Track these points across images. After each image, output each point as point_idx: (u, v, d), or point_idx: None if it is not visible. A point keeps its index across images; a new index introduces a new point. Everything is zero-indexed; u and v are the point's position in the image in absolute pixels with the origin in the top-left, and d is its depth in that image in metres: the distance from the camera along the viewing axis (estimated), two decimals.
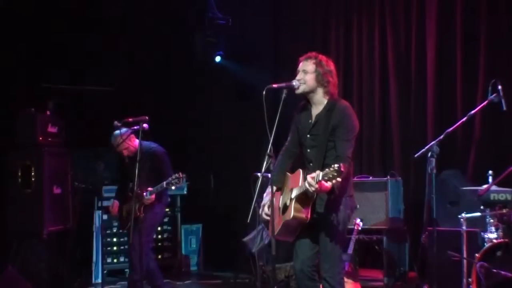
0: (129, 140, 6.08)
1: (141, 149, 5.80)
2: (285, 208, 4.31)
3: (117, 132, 5.94)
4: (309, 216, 4.19)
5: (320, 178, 3.90)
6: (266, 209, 4.40)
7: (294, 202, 4.19)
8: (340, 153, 4.19)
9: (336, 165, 3.84)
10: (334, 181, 3.85)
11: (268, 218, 4.34)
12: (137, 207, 5.90)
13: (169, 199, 6.44)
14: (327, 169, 3.87)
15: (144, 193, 5.94)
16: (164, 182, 5.85)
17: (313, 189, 3.98)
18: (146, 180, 6.00)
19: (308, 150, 4.37)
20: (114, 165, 6.36)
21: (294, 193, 4.21)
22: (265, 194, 4.48)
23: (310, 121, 4.39)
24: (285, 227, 4.26)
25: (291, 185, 4.33)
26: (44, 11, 7.75)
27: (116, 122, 5.85)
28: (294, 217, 4.17)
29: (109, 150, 6.18)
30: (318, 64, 4.35)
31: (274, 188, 4.26)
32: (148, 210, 6.05)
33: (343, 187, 4.21)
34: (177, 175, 5.81)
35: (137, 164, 5.49)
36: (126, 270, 7.79)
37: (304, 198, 4.16)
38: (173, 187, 5.87)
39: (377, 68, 7.67)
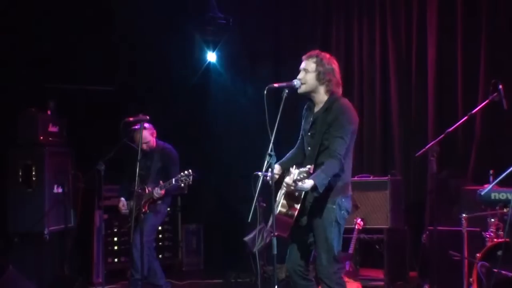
0: (151, 135, 6.31)
1: (152, 148, 6.20)
2: (278, 203, 4.34)
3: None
4: (295, 213, 4.20)
5: (295, 178, 3.96)
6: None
7: (283, 198, 4.23)
8: (331, 150, 4.20)
9: (308, 166, 3.95)
10: (301, 182, 3.94)
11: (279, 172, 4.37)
12: (142, 203, 5.99)
13: (171, 200, 6.53)
14: (300, 169, 3.96)
15: (155, 188, 6.03)
16: (173, 179, 5.95)
17: (292, 188, 4.03)
18: (155, 179, 6.12)
19: (309, 148, 4.38)
20: (114, 164, 6.36)
21: (284, 189, 4.23)
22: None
23: (311, 119, 4.40)
24: (276, 221, 4.26)
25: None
26: (44, 11, 7.75)
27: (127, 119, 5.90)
28: (280, 212, 4.22)
29: (110, 150, 6.20)
30: (319, 63, 4.34)
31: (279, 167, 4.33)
32: (151, 209, 6.14)
33: (334, 185, 4.22)
34: (186, 172, 5.89)
35: (138, 163, 5.51)
36: (127, 270, 7.81)
37: (291, 195, 4.19)
38: (182, 184, 5.95)
39: (378, 67, 7.68)
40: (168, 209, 6.91)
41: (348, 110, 4.32)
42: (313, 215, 4.28)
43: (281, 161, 4.45)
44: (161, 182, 6.13)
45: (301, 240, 4.38)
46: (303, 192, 4.16)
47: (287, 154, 4.60)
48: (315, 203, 4.25)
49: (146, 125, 6.15)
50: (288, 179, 4.04)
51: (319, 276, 4.30)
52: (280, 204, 4.22)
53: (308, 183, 3.98)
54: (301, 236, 4.37)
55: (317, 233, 4.28)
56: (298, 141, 4.63)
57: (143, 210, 6.07)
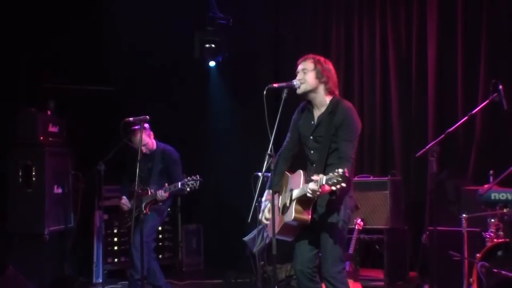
0: (149, 136, 6.26)
1: (152, 150, 6.21)
2: (285, 208, 4.31)
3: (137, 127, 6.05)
4: (310, 217, 4.19)
5: (324, 183, 3.88)
6: (266, 213, 4.41)
7: (295, 203, 4.17)
8: (342, 154, 4.19)
9: (340, 170, 3.81)
10: (338, 186, 3.82)
11: (267, 222, 4.39)
12: (143, 205, 5.99)
13: (172, 201, 6.53)
14: (331, 174, 3.85)
15: (159, 191, 6.02)
16: (179, 183, 5.92)
17: (317, 193, 3.97)
18: (157, 181, 6.12)
19: (312, 152, 4.37)
20: (114, 165, 6.37)
21: (295, 194, 4.19)
22: (263, 199, 4.49)
23: (312, 122, 4.39)
24: (285, 228, 4.26)
25: (291, 186, 4.32)
26: (44, 11, 7.76)
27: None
28: (295, 218, 4.16)
29: (110, 150, 6.21)
30: (317, 62, 4.36)
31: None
32: (151, 210, 6.14)
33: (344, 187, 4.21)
34: (194, 177, 5.87)
35: (138, 164, 5.50)
36: (127, 270, 7.81)
37: (305, 200, 4.15)
38: (188, 189, 5.91)
39: (378, 68, 7.67)
40: (168, 209, 6.90)
41: (354, 113, 4.33)
42: (321, 215, 4.28)
43: (271, 184, 4.28)
44: (166, 184, 6.09)
45: (308, 241, 4.37)
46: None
47: (276, 170, 4.34)
48: (323, 204, 4.25)
49: (146, 125, 6.14)
50: (313, 185, 3.94)
51: (323, 275, 4.30)
52: (294, 210, 4.17)
53: (329, 187, 3.92)
54: (308, 237, 4.36)
55: (322, 233, 4.27)
56: (284, 146, 4.57)
57: (145, 211, 6.06)
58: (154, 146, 6.36)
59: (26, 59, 7.71)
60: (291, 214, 4.17)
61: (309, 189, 3.98)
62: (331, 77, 4.37)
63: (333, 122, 4.26)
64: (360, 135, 4.38)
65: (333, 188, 3.86)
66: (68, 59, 8.01)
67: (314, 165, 4.32)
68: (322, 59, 4.41)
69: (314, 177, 3.96)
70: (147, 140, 6.27)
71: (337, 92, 4.43)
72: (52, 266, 6.98)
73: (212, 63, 8.44)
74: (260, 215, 4.47)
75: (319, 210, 4.27)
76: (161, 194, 6.07)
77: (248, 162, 7.58)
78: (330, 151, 4.26)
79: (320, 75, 4.33)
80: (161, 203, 6.23)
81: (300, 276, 4.39)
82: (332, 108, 4.32)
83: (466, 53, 7.00)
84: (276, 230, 4.25)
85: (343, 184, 3.81)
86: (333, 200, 4.21)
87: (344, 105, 4.33)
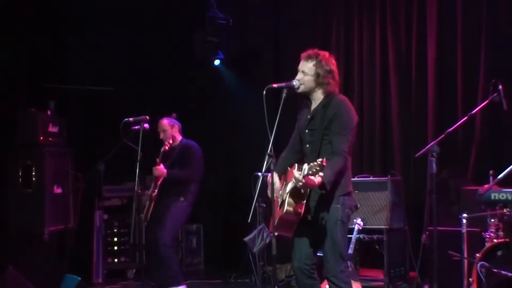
0: (175, 130, 6.43)
1: (175, 144, 6.37)
2: (283, 202, 4.32)
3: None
4: (302, 211, 4.18)
5: (306, 173, 3.91)
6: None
7: (288, 196, 4.19)
8: (334, 148, 4.18)
9: (319, 160, 3.86)
10: (317, 175, 3.88)
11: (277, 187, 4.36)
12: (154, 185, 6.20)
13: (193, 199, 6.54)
14: (312, 163, 3.89)
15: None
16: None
17: (300, 184, 4.00)
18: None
19: (307, 146, 4.37)
20: (114, 165, 6.37)
21: (288, 188, 4.21)
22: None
23: (308, 116, 4.40)
24: (280, 221, 4.26)
25: (288, 179, 4.33)
26: (44, 11, 7.76)
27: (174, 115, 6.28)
28: (287, 211, 4.19)
29: (110, 150, 6.21)
30: (318, 65, 4.32)
31: (277, 178, 4.31)
32: (170, 204, 6.14)
33: (338, 183, 4.21)
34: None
35: (138, 163, 5.51)
36: (127, 270, 7.83)
37: (297, 193, 4.17)
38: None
39: (378, 68, 7.67)
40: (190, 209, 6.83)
41: (348, 106, 4.32)
42: (318, 214, 4.27)
43: (276, 168, 4.36)
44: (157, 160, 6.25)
45: (306, 238, 4.36)
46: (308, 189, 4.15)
47: (279, 160, 4.50)
48: (320, 201, 4.24)
49: (168, 123, 6.29)
50: (297, 174, 4.00)
51: (326, 275, 4.30)
52: (286, 202, 4.19)
53: (316, 180, 3.96)
54: (306, 234, 4.35)
55: (322, 233, 4.26)
56: (291, 141, 4.60)
57: (154, 194, 6.13)
58: (176, 138, 6.45)
59: (26, 59, 7.70)
60: (284, 207, 4.20)
61: (294, 178, 4.01)
62: (331, 81, 4.34)
63: (326, 115, 4.25)
64: (358, 131, 4.37)
65: (313, 177, 3.89)
66: (68, 59, 8.01)
67: (307, 158, 4.31)
68: (324, 59, 4.35)
69: (298, 165, 4.01)
70: (167, 127, 6.40)
71: (337, 91, 4.43)
72: (52, 266, 6.98)
73: (216, 62, 8.43)
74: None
75: (312, 206, 4.26)
76: (156, 168, 6.16)
77: (248, 162, 7.56)
78: (322, 144, 4.25)
79: (320, 80, 4.31)
80: (182, 199, 6.23)
81: (298, 272, 4.39)
82: (326, 102, 4.31)
83: (466, 53, 7.00)
84: (275, 224, 4.26)
85: (321, 174, 3.87)
86: (325, 196, 4.19)
87: (337, 98, 4.32)
